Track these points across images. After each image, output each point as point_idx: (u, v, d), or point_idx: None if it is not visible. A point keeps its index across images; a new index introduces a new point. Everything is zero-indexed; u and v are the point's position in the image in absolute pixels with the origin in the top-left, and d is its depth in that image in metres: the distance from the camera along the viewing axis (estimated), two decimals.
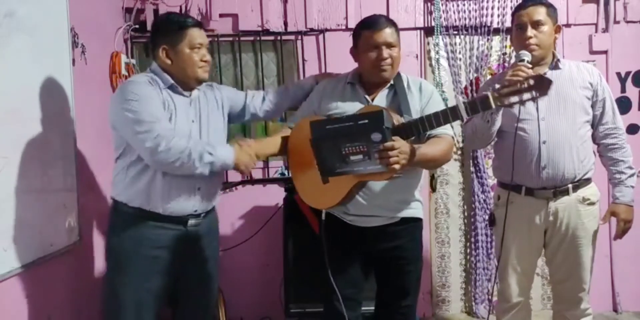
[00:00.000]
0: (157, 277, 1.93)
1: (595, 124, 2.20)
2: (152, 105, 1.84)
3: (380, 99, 1.98)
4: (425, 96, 2.00)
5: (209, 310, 2.15)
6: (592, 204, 2.18)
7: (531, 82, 1.65)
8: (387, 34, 1.91)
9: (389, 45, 1.92)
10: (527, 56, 2.04)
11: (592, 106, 2.17)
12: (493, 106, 1.69)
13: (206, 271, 2.08)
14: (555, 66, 2.19)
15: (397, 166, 1.66)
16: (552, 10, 2.16)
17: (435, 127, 1.78)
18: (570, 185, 2.14)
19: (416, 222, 2.04)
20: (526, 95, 1.66)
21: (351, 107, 1.95)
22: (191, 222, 1.98)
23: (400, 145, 1.66)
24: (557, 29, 2.19)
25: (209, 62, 2.00)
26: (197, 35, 1.96)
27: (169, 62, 1.96)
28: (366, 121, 1.66)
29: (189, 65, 1.95)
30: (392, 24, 1.96)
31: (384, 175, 1.76)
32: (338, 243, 1.98)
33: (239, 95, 2.20)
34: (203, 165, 1.82)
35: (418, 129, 1.77)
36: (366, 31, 1.94)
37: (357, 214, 1.95)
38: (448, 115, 1.74)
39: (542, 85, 1.64)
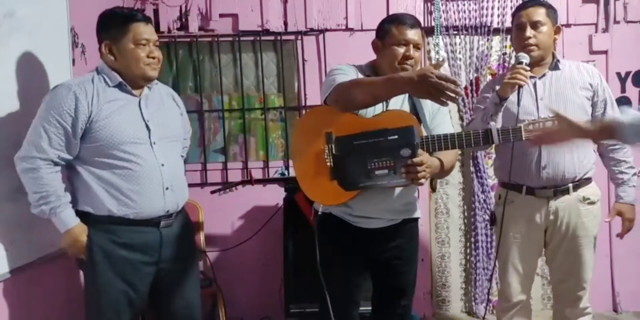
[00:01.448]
0: (134, 281, 1.88)
1: None
2: (56, 125, 1.76)
3: (397, 101, 1.94)
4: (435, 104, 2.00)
5: (193, 310, 2.07)
6: (593, 203, 2.18)
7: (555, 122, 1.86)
8: (418, 34, 1.91)
9: (416, 46, 1.90)
10: (525, 58, 2.06)
11: (593, 107, 2.18)
12: (524, 138, 1.85)
13: (184, 271, 2.02)
14: (555, 67, 2.19)
15: (423, 181, 1.72)
16: (551, 11, 2.17)
17: (465, 147, 1.86)
18: (570, 185, 2.15)
19: (415, 222, 2.05)
20: None
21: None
22: (163, 223, 1.91)
23: (427, 159, 1.73)
24: (557, 30, 2.19)
25: (158, 60, 1.90)
26: (142, 31, 1.85)
27: (112, 58, 1.87)
28: (396, 137, 1.68)
29: (133, 62, 1.85)
30: (420, 26, 1.95)
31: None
32: (335, 244, 1.97)
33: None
34: (35, 207, 1.79)
35: (447, 146, 1.83)
36: (399, 25, 1.91)
37: (361, 215, 1.93)
38: (480, 137, 1.84)
39: None
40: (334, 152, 1.79)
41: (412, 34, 1.89)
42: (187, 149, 2.29)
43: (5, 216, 1.82)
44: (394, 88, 1.68)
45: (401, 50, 1.89)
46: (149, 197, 1.86)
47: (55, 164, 1.80)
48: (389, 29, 1.92)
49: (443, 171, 1.89)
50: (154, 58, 1.88)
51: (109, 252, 1.84)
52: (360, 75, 1.95)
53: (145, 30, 1.86)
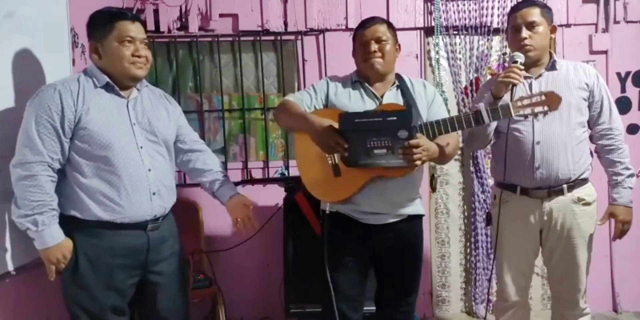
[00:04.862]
0: (119, 286, 1.84)
1: (592, 124, 2.20)
2: (46, 126, 1.72)
3: (389, 98, 2.03)
4: (430, 95, 2.08)
5: (180, 312, 2.03)
6: (588, 204, 2.18)
7: (543, 97, 1.84)
8: (375, 29, 2.01)
9: (378, 40, 2.00)
10: (520, 58, 2.05)
11: (589, 107, 2.17)
12: (513, 115, 1.85)
13: (172, 273, 1.97)
14: (552, 67, 2.19)
15: (419, 162, 1.77)
16: (546, 10, 2.16)
17: (457, 130, 1.90)
18: (565, 186, 2.14)
19: (420, 219, 2.08)
20: (538, 109, 1.85)
21: (362, 106, 1.99)
22: (150, 226, 1.88)
23: (424, 143, 1.78)
24: (553, 29, 2.19)
25: (147, 59, 1.85)
26: (128, 28, 1.80)
27: (97, 58, 1.82)
28: (395, 118, 1.74)
29: (116, 60, 1.79)
30: (383, 21, 2.05)
31: (401, 172, 1.85)
32: (342, 242, 1.98)
33: (190, 134, 2.13)
34: (18, 217, 1.71)
35: (440, 130, 1.88)
36: (358, 30, 2.05)
37: (368, 211, 1.96)
38: (470, 119, 1.87)
39: (553, 101, 1.84)
40: (337, 127, 1.83)
41: (370, 32, 2.00)
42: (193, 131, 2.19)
43: (4, 216, 1.82)
44: (300, 127, 1.93)
45: (363, 49, 2.01)
46: (135, 203, 1.81)
47: (51, 168, 1.74)
48: (354, 35, 2.07)
49: (444, 156, 1.95)
50: (139, 57, 1.82)
51: (94, 258, 1.79)
52: (340, 84, 2.07)
53: (131, 28, 1.81)
